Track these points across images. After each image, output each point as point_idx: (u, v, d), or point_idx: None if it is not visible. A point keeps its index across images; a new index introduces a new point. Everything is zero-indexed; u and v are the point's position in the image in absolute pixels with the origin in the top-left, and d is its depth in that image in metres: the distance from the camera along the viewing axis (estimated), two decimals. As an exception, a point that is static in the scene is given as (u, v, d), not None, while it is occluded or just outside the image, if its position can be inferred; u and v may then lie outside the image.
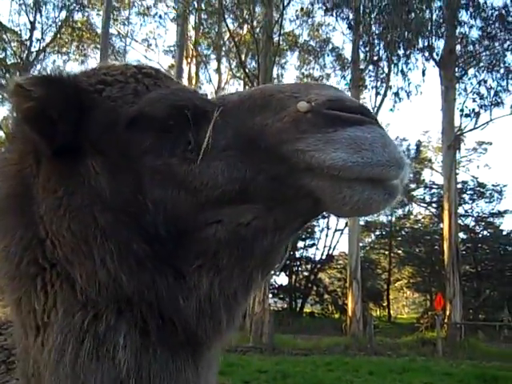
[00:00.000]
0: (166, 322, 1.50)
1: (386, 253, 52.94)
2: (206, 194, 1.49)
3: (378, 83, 33.17)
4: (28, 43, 37.83)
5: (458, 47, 31.61)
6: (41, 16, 37.66)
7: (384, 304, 52.91)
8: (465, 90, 32.51)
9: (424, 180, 51.30)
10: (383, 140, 1.42)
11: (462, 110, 31.52)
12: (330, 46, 41.43)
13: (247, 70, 33.77)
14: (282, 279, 49.81)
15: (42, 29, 38.15)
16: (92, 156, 1.56)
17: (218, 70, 44.17)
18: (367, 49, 33.05)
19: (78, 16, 41.11)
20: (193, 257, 1.49)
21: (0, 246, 1.62)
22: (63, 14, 38.97)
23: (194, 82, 42.88)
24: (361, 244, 38.45)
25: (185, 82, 40.00)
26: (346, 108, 1.45)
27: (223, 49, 42.30)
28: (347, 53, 38.84)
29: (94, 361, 1.44)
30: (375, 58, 32.79)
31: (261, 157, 1.48)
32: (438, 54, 30.97)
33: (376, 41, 32.39)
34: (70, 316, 1.49)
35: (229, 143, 1.53)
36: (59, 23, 38.60)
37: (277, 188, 1.47)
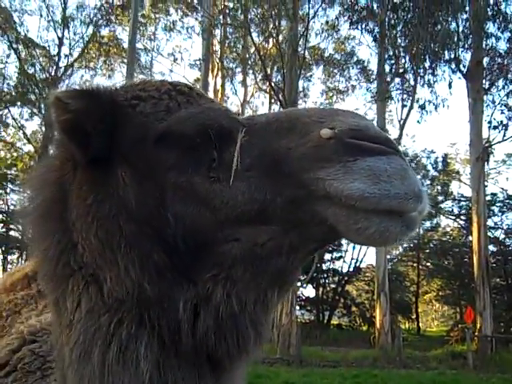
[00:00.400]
0: (183, 334, 1.54)
1: (415, 265, 52.36)
2: (226, 213, 1.53)
3: (404, 96, 33.09)
4: (56, 58, 38.49)
5: (486, 59, 31.35)
6: (68, 32, 38.57)
7: (413, 317, 52.31)
8: (493, 101, 32.16)
9: (452, 192, 50.81)
10: (403, 172, 1.44)
11: (489, 122, 31.19)
12: (355, 59, 41.53)
13: (273, 83, 33.88)
14: (309, 291, 49.58)
15: (70, 44, 39.18)
16: (122, 168, 1.62)
17: (243, 83, 44.48)
18: (393, 61, 32.98)
19: (104, 31, 41.91)
20: (208, 268, 1.53)
21: (40, 249, 1.74)
22: (90, 29, 39.77)
23: (219, 95, 43.17)
24: (388, 256, 38.18)
25: (210, 95, 40.38)
26: (368, 137, 1.47)
27: (249, 62, 42.54)
28: (372, 66, 38.93)
29: (120, 365, 1.52)
30: (401, 70, 32.67)
31: (281, 180, 1.52)
32: (464, 66, 30.71)
33: (402, 53, 32.31)
34: (96, 317, 1.56)
35: (252, 163, 1.56)
36: (86, 39, 39.31)
37: (294, 212, 1.50)
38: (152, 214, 1.56)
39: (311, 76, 44.94)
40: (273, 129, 1.60)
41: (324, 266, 48.48)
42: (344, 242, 49.75)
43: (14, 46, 36.38)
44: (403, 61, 32.68)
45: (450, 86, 32.12)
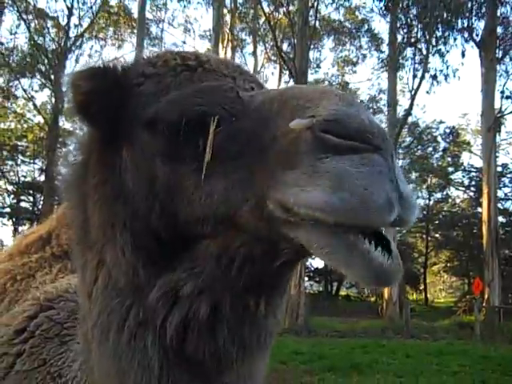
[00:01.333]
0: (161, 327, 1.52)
1: (423, 236, 52.42)
2: (203, 210, 1.45)
3: (416, 65, 32.72)
4: (66, 29, 38.18)
5: (499, 28, 30.91)
6: (78, 2, 38.01)
7: (421, 288, 52.54)
8: (506, 71, 31.90)
9: (462, 163, 50.57)
10: (373, 177, 1.23)
11: (502, 92, 30.96)
12: (366, 27, 41.07)
13: (283, 54, 33.61)
14: (317, 262, 49.80)
15: (79, 14, 38.50)
16: (126, 149, 1.61)
17: (253, 54, 44.15)
18: (405, 30, 32.57)
19: (114, 1, 41.37)
20: (187, 260, 1.49)
21: (72, 217, 1.83)
22: (99, -1, 39.37)
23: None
24: (397, 228, 38.17)
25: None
26: (345, 130, 1.27)
27: (259, 32, 42.17)
28: (384, 35, 38.47)
29: (130, 351, 1.54)
30: (413, 39, 32.28)
31: (255, 179, 1.38)
32: (477, 35, 30.34)
33: (414, 22, 31.88)
34: (109, 300, 1.59)
35: (239, 151, 1.43)
36: (96, 9, 38.89)
37: (260, 225, 1.38)
38: (143, 199, 1.54)
39: (322, 46, 44.54)
40: (265, 109, 1.45)
41: (333, 237, 48.67)
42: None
43: (24, 16, 36.03)
44: (415, 30, 32.29)
45: (463, 55, 31.88)
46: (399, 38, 33.12)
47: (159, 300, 1.48)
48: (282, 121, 1.36)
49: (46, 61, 35.99)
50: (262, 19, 39.67)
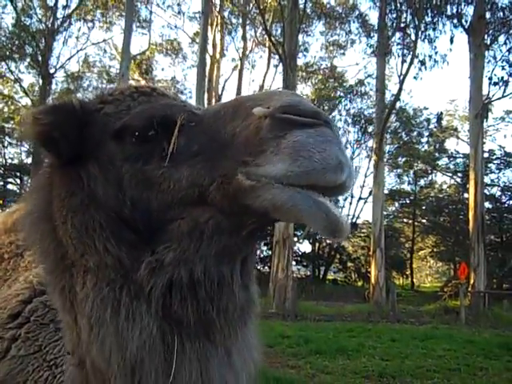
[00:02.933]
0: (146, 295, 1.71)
1: (410, 222, 52.78)
2: (172, 195, 1.69)
3: (405, 51, 32.68)
4: (54, 10, 37.73)
5: (488, 14, 30.91)
6: (66, -19, 37.55)
7: (407, 273, 52.99)
8: (494, 57, 31.88)
9: (449, 149, 50.80)
10: (324, 145, 1.47)
11: (490, 78, 30.93)
12: (356, 13, 40.94)
13: (272, 38, 33.48)
14: (305, 247, 50.07)
15: (67, -6, 38.11)
16: (91, 163, 1.85)
17: (243, 38, 43.89)
18: (394, 15, 32.49)
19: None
20: (163, 242, 1.69)
21: (40, 248, 1.99)
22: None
23: (218, 49, 42.66)
24: (385, 213, 38.36)
25: (209, 49, 39.84)
26: (298, 111, 1.52)
27: (249, 16, 41.91)
28: (373, 20, 38.42)
29: (130, 322, 1.69)
30: (402, 24, 32.23)
31: (220, 165, 1.63)
32: (466, 21, 30.33)
33: (403, 7, 31.82)
34: (99, 290, 1.74)
35: (200, 149, 1.70)
36: (84, -11, 38.50)
37: (226, 200, 1.62)
38: (114, 199, 1.77)
39: (312, 30, 44.32)
40: (221, 115, 1.71)
41: (320, 222, 48.78)
42: (340, 197, 50.26)
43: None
44: (404, 15, 32.23)
45: (451, 40, 31.95)
46: (389, 23, 33.07)
47: (146, 274, 1.68)
48: (240, 119, 1.63)
49: (33, 42, 35.57)
50: (252, 2, 39.44)
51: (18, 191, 48.05)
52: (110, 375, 1.72)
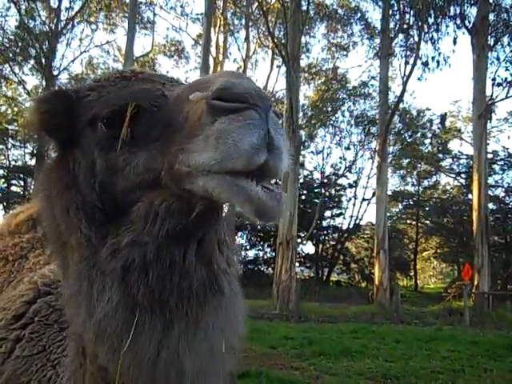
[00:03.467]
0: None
1: (414, 223, 52.67)
2: (133, 180, 1.76)
3: (408, 52, 32.65)
4: (57, 12, 37.71)
5: (491, 15, 30.87)
6: (69, -17, 37.51)
7: (411, 274, 52.82)
8: (497, 58, 31.88)
9: (452, 150, 50.68)
10: (243, 129, 1.49)
11: (493, 79, 30.94)
12: (359, 15, 40.87)
13: (275, 39, 33.48)
14: (308, 248, 50.00)
15: (71, -4, 38.09)
16: (77, 148, 1.97)
17: (246, 39, 43.89)
18: (397, 17, 32.48)
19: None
20: (126, 224, 1.77)
21: (48, 229, 2.12)
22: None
23: (221, 50, 42.68)
24: (388, 214, 38.33)
25: (213, 50, 39.91)
26: (229, 95, 1.53)
27: (252, 17, 41.92)
28: (376, 22, 38.37)
29: (101, 295, 1.78)
30: (405, 26, 32.20)
31: (168, 150, 1.68)
32: (470, 22, 30.33)
33: (406, 8, 31.79)
34: (78, 268, 1.87)
35: (158, 134, 1.75)
36: (87, -9, 38.46)
37: (173, 185, 1.68)
38: (87, 182, 1.88)
39: (314, 32, 44.27)
40: (181, 98, 1.74)
41: (324, 223, 48.77)
42: (343, 198, 50.24)
43: (14, -2, 35.65)
44: (407, 16, 32.21)
45: (454, 42, 31.87)
46: (391, 24, 33.06)
47: (106, 256, 1.77)
48: (192, 103, 1.64)
49: (36, 44, 35.57)
50: (255, 4, 39.44)
51: (21, 193, 48.16)
52: (86, 339, 1.91)
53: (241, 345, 2.07)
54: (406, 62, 32.18)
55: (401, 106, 38.01)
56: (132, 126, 1.78)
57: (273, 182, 1.67)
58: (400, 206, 54.86)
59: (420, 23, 30.61)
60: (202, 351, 1.82)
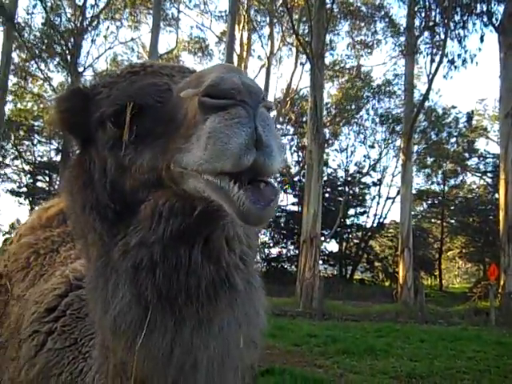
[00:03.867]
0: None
1: (438, 222, 52.22)
2: (139, 179, 1.76)
3: (434, 50, 32.33)
4: (82, 9, 38.06)
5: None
6: (94, -19, 37.82)
7: (435, 273, 52.39)
8: (525, 56, 31.40)
9: (479, 149, 50.13)
10: (230, 129, 1.44)
11: (521, 77, 30.50)
12: (383, 12, 40.60)
13: (299, 36, 33.39)
14: (332, 246, 49.95)
15: (96, -7, 38.46)
16: (93, 147, 1.97)
17: (270, 37, 43.82)
18: (422, 15, 32.16)
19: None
20: (133, 224, 1.77)
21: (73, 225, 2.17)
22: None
23: (245, 48, 42.68)
24: (412, 212, 38.02)
25: (237, 48, 39.94)
26: (218, 92, 1.49)
27: (275, 14, 41.85)
28: (400, 19, 38.07)
29: (115, 291, 1.81)
30: (431, 23, 31.88)
31: (168, 149, 1.66)
32: (497, 20, 29.92)
33: (432, 6, 31.48)
34: (95, 264, 1.92)
35: (162, 131, 1.71)
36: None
37: (173, 184, 1.67)
38: (100, 183, 1.89)
39: (338, 30, 44.01)
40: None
41: (348, 221, 48.61)
42: (367, 197, 50.01)
43: (41, -5, 36.08)
44: (433, 14, 31.89)
45: (481, 39, 31.49)
46: (417, 21, 32.76)
47: (118, 256, 1.79)
48: (188, 97, 1.60)
49: (62, 41, 35.93)
50: (279, 1, 39.38)
51: (47, 189, 48.72)
52: (104, 334, 1.96)
53: (263, 340, 2.07)
54: (432, 60, 31.86)
55: (426, 104, 37.67)
56: (137, 123, 1.76)
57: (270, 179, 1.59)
58: (425, 205, 54.46)
59: (446, 21, 30.30)
60: (217, 347, 1.81)
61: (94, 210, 1.88)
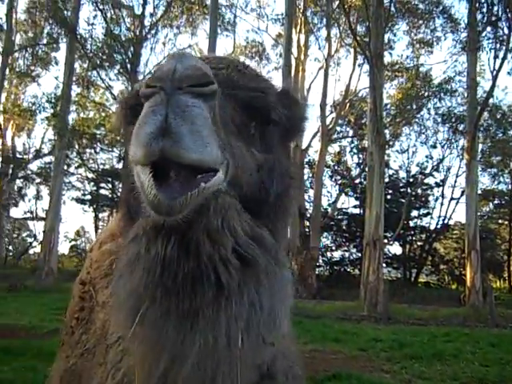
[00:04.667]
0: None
1: (506, 223, 50.78)
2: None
3: (497, 45, 31.46)
4: (141, 18, 39.07)
5: None
6: (152, -10, 38.78)
7: (505, 275, 50.91)
8: None
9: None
10: (144, 119, 1.45)
11: None
12: (441, 8, 39.85)
13: (358, 37, 33.11)
14: (395, 249, 49.23)
15: (154, 3, 39.59)
16: None
17: (327, 38, 43.62)
18: (484, 9, 31.38)
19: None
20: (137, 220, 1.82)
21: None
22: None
23: (303, 50, 42.65)
24: (478, 213, 37.07)
25: (294, 50, 39.91)
26: (152, 81, 1.49)
27: (332, 16, 41.68)
28: (459, 14, 37.38)
29: (140, 279, 1.73)
30: (493, 18, 31.06)
31: None
32: None
33: (494, 0, 30.67)
34: (131, 244, 1.83)
35: None
36: (169, -4, 39.65)
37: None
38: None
39: (396, 29, 43.41)
40: None
41: (411, 223, 47.88)
42: (431, 198, 49.06)
43: (100, 6, 37.20)
44: (495, 8, 31.07)
45: (547, 33, 30.41)
46: (479, 17, 31.96)
47: (124, 248, 1.82)
48: None
49: (122, 50, 36.88)
50: (336, 2, 39.17)
51: (110, 196, 50.00)
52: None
53: (277, 339, 1.95)
54: (496, 56, 31.06)
55: (490, 101, 36.67)
56: None
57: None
58: (491, 206, 53.07)
59: (510, 15, 29.45)
60: (206, 342, 1.74)
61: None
